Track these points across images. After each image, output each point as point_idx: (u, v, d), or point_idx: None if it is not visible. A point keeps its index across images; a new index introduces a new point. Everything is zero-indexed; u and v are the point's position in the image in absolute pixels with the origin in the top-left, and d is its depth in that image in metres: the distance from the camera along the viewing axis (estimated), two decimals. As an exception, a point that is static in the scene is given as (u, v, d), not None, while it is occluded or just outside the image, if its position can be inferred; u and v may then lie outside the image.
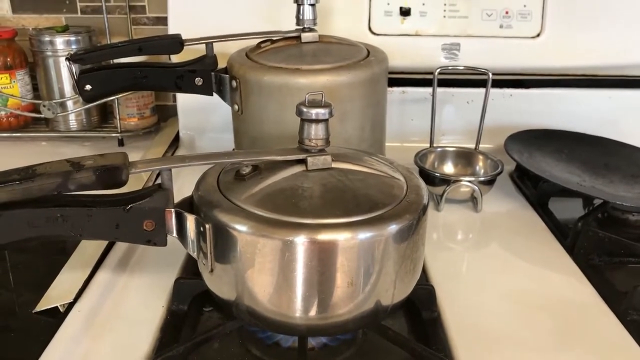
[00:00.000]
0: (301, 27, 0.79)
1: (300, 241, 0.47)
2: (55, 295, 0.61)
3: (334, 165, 0.53)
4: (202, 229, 0.51)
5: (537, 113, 0.99)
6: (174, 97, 1.09)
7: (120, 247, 0.70)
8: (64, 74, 1.01)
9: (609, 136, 0.94)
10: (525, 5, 0.94)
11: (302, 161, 0.53)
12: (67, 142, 1.04)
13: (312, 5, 0.78)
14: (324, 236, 0.47)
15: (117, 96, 0.97)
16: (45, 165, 0.48)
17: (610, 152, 0.91)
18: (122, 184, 0.49)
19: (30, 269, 0.71)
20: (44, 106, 0.97)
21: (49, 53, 1.00)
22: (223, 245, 0.50)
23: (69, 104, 1.02)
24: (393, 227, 0.49)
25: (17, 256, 0.73)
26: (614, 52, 0.96)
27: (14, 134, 1.04)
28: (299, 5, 0.78)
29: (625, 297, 0.62)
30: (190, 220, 0.52)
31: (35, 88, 1.05)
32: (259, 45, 0.80)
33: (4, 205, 0.46)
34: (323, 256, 0.47)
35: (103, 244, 0.70)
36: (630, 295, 0.62)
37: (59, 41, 0.99)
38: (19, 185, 0.46)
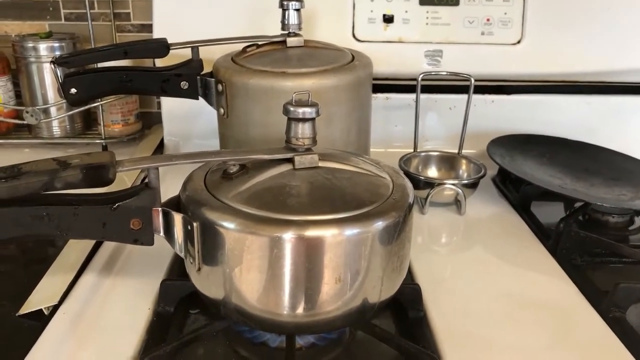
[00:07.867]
0: (286, 32, 0.80)
1: (288, 237, 0.47)
2: (39, 298, 0.61)
3: (321, 164, 0.54)
4: (189, 227, 0.51)
5: (518, 119, 1.00)
6: (159, 104, 1.09)
7: (106, 250, 0.69)
8: (47, 81, 1.00)
9: (589, 141, 0.96)
10: (505, 13, 0.96)
11: (290, 160, 0.53)
12: (50, 148, 1.03)
13: (297, 10, 0.78)
14: (311, 232, 0.47)
15: (102, 102, 0.97)
16: (32, 163, 0.48)
17: (591, 156, 0.93)
18: (109, 182, 0.49)
19: (11, 277, 0.70)
20: (27, 112, 0.96)
21: (33, 59, 0.99)
22: (211, 243, 0.50)
23: (53, 110, 1.01)
24: (379, 224, 0.49)
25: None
26: (592, 59, 0.98)
27: (-4, 141, 1.03)
28: (284, 11, 0.79)
29: (607, 295, 0.63)
30: (178, 219, 0.52)
31: (18, 95, 1.04)
32: (244, 50, 0.81)
33: (-11, 203, 0.46)
34: (311, 252, 0.47)
35: (88, 247, 0.69)
36: (611, 293, 0.62)
37: (43, 47, 0.99)
38: (5, 183, 0.46)
